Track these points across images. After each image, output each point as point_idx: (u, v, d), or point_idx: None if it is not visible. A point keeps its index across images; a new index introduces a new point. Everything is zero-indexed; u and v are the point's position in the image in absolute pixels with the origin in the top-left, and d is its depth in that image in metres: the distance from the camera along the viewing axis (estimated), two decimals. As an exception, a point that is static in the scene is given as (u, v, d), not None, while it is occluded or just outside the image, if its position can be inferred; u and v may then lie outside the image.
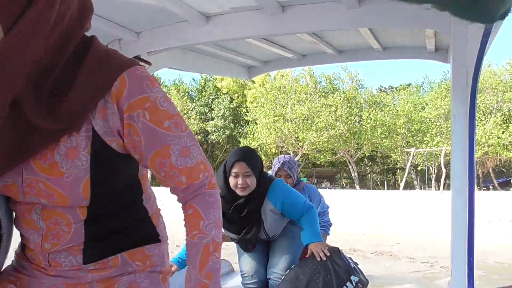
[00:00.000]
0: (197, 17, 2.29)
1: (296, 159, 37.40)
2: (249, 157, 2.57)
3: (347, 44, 3.00)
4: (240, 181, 2.50)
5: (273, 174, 3.31)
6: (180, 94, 42.33)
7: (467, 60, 1.88)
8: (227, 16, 2.33)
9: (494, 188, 37.41)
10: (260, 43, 2.75)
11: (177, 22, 2.39)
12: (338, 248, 2.68)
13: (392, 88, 46.40)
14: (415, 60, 2.95)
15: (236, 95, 42.90)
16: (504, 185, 39.25)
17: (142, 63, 1.04)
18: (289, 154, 37.95)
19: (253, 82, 38.93)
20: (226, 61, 3.28)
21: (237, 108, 42.92)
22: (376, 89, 44.50)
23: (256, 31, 2.37)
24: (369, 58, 3.07)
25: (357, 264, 2.63)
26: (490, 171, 38.54)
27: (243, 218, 2.62)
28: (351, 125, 36.59)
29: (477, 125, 34.12)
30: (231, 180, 2.53)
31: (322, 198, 3.48)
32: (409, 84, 43.91)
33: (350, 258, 2.62)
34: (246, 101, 40.02)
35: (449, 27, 1.95)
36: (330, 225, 3.43)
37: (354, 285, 2.46)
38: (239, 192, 2.54)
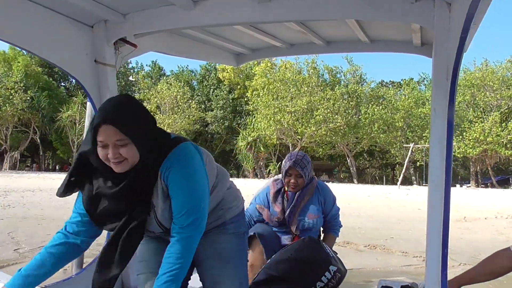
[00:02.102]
0: (184, 1, 2.28)
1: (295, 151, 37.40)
2: (121, 116, 1.61)
3: (335, 35, 3.00)
4: (111, 153, 1.59)
5: (283, 172, 3.08)
6: (181, 83, 42.32)
7: (448, 55, 1.89)
8: (214, 1, 2.31)
9: (492, 186, 37.49)
10: (248, 30, 2.75)
11: (164, 5, 2.38)
12: (318, 239, 2.70)
13: (394, 82, 46.41)
14: (401, 54, 2.96)
15: (238, 86, 42.87)
16: (503, 183, 39.34)
17: (128, 46, 1.05)
18: (287, 146, 38.03)
19: (255, 74, 38.95)
20: (214, 47, 3.26)
21: (237, 99, 42.91)
22: (377, 83, 44.49)
23: (243, 18, 2.37)
24: (357, 50, 3.08)
25: (336, 254, 2.65)
26: (489, 169, 38.58)
27: (128, 197, 1.70)
28: (349, 119, 36.57)
29: (476, 122, 34.26)
30: (99, 151, 1.62)
31: (335, 201, 3.26)
32: (411, 79, 43.86)
33: (329, 248, 2.64)
34: (247, 92, 39.97)
35: (433, 22, 1.96)
36: (341, 226, 3.31)
37: (332, 274, 2.48)
38: (114, 168, 1.63)
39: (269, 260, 2.62)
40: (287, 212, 3.00)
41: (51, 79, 43.48)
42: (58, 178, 27.64)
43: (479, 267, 2.13)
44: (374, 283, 2.84)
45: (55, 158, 48.67)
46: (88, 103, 2.74)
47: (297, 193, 3.04)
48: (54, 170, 45.99)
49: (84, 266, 2.84)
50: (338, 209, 3.27)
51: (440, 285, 1.95)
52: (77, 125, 39.88)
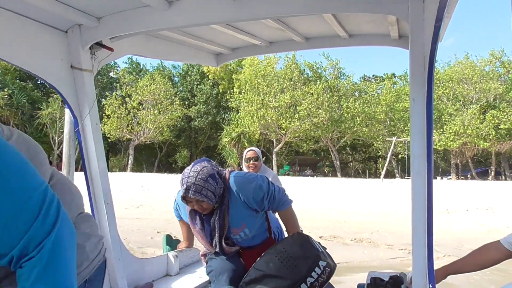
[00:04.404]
0: (159, 2, 2.24)
1: (279, 146, 37.44)
2: None
3: (313, 31, 2.98)
4: None
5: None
6: (165, 79, 41.72)
7: (424, 45, 1.92)
8: (189, 1, 2.28)
9: (472, 178, 38.12)
10: (226, 30, 2.72)
11: (139, 7, 2.33)
12: (307, 235, 2.70)
13: (376, 77, 46.86)
14: (380, 47, 2.98)
15: (223, 81, 42.55)
16: (482, 175, 40.07)
17: (104, 49, 0.99)
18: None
19: (242, 67, 38.75)
20: (193, 47, 3.21)
21: (222, 94, 42.67)
22: (359, 78, 44.84)
23: (219, 17, 2.33)
24: (336, 45, 3.06)
25: (325, 249, 2.65)
26: (469, 161, 39.22)
27: None
28: (332, 113, 36.75)
29: (456, 115, 34.83)
30: None
31: (261, 187, 2.56)
32: (393, 74, 44.37)
33: (318, 243, 2.64)
34: (233, 87, 39.76)
35: (407, 13, 1.98)
36: (287, 200, 2.69)
37: (322, 269, 2.48)
38: None
39: (258, 259, 2.61)
40: (212, 241, 2.63)
41: (20, 82, 42.31)
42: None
43: (468, 258, 2.18)
44: (363, 276, 2.85)
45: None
46: (66, 110, 2.68)
47: (212, 218, 2.56)
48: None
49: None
50: (270, 190, 2.59)
51: (427, 273, 1.97)
52: (57, 123, 39.12)
